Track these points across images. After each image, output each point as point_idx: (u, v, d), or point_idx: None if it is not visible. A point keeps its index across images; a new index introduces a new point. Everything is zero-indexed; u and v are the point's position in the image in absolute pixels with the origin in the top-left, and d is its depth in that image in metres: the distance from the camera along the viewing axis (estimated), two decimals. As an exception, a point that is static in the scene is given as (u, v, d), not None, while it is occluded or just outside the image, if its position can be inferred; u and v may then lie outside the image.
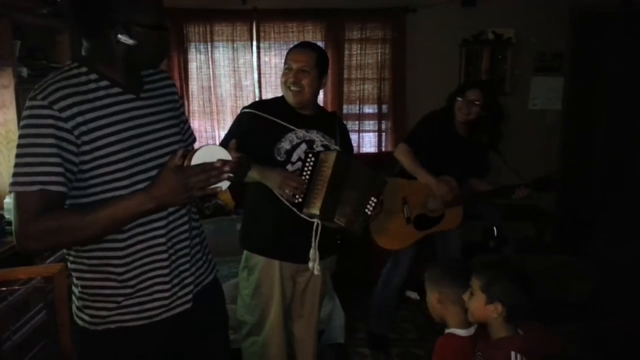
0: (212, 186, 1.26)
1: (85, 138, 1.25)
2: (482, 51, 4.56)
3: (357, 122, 4.56)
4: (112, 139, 1.29)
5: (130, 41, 1.28)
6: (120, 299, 1.38)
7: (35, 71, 3.03)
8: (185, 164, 1.26)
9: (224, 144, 2.08)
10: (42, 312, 2.46)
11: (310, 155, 2.04)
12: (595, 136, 4.78)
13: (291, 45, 4.20)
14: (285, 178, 1.98)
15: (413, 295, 3.60)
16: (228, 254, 3.13)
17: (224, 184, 1.31)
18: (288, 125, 2.09)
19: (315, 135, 2.13)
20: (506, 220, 4.27)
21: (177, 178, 1.22)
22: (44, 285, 2.38)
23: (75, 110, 1.24)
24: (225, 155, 1.31)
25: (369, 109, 4.61)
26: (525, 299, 1.62)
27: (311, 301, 2.29)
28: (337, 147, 2.14)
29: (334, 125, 2.23)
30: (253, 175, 2.00)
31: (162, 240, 1.40)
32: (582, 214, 4.60)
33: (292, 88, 2.09)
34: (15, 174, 1.21)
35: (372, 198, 2.06)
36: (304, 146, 2.09)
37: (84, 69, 1.31)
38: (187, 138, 1.62)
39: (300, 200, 2.00)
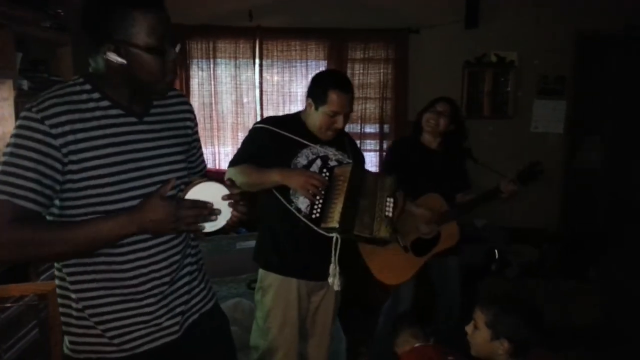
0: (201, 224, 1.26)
1: (74, 157, 1.20)
2: (485, 73, 4.58)
3: (358, 142, 4.53)
4: (102, 161, 1.23)
5: (118, 60, 1.22)
6: (101, 327, 1.32)
7: (35, 84, 3.01)
8: (181, 194, 1.27)
9: (238, 159, 2.10)
10: (35, 330, 2.39)
11: (324, 170, 2.03)
12: (596, 159, 4.78)
13: (294, 64, 4.33)
14: (308, 177, 1.95)
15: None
16: (227, 274, 3.08)
17: (221, 223, 1.31)
18: (304, 141, 2.08)
19: (329, 151, 2.11)
20: (510, 243, 4.24)
21: (167, 208, 1.19)
22: (37, 302, 2.32)
23: (67, 128, 1.19)
24: (223, 192, 1.31)
25: (370, 129, 4.60)
26: (534, 335, 1.58)
27: (323, 320, 2.25)
28: (350, 161, 2.12)
29: (343, 140, 2.21)
30: (274, 177, 1.98)
31: (155, 267, 1.35)
32: (585, 237, 4.57)
33: (332, 132, 2.09)
34: None
35: (388, 198, 2.00)
36: (319, 162, 2.08)
37: (87, 86, 1.27)
38: (197, 166, 1.57)
39: (317, 215, 1.96)
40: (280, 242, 2.12)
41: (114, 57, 1.21)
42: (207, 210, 1.26)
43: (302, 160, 2.06)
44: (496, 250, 4.12)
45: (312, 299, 2.19)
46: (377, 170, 4.55)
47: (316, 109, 2.07)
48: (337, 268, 2.04)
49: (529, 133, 4.68)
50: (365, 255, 2.53)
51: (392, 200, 2.00)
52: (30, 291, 2.21)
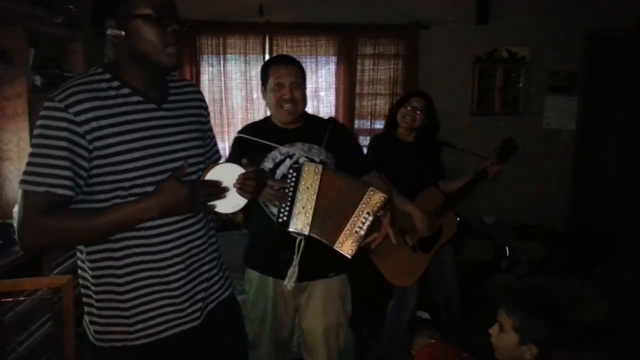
0: (213, 202, 1.35)
1: (98, 144, 1.24)
2: (496, 69, 4.55)
3: (368, 137, 4.52)
4: (126, 147, 1.27)
5: (117, 32, 1.26)
6: (126, 313, 1.35)
7: (48, 80, 3.03)
8: (201, 177, 1.36)
9: None
10: (48, 323, 2.43)
11: (291, 170, 1.89)
12: (608, 156, 4.74)
13: (304, 59, 4.33)
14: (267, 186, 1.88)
15: (424, 315, 3.53)
16: (236, 269, 3.07)
17: (242, 202, 1.40)
18: (271, 144, 2.02)
19: (297, 149, 2.01)
20: (519, 240, 4.22)
21: (182, 189, 1.25)
22: (51, 296, 2.35)
23: (90, 115, 1.23)
24: (240, 172, 1.38)
25: (380, 125, 4.57)
26: (559, 337, 1.56)
27: (312, 327, 2.12)
28: (316, 158, 2.00)
29: (324, 130, 2.07)
30: None
31: (177, 252, 1.38)
32: (592, 235, 4.55)
33: (285, 106, 1.99)
34: (25, 172, 1.22)
35: (366, 215, 1.80)
36: (288, 162, 2.00)
37: (107, 76, 1.31)
38: (212, 155, 1.62)
39: (284, 219, 1.87)
40: (257, 242, 2.13)
41: (114, 32, 1.26)
42: (219, 190, 1.35)
43: (267, 164, 2.00)
44: (507, 248, 4.10)
45: (299, 302, 2.11)
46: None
47: (266, 90, 2.05)
48: (296, 270, 1.96)
49: (540, 129, 4.65)
50: (377, 263, 2.53)
51: (370, 218, 1.81)
52: (44, 285, 2.23)
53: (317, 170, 1.83)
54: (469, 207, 4.32)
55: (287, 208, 1.86)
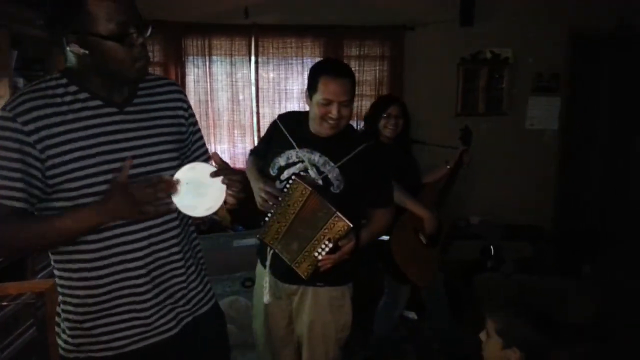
0: (166, 201, 1.21)
1: (51, 152, 1.20)
2: (480, 70, 4.58)
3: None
4: (82, 153, 1.23)
5: (80, 50, 1.20)
6: (87, 324, 1.32)
7: (31, 82, 2.99)
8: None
9: (252, 149, 2.17)
10: (32, 328, 2.40)
11: (290, 180, 1.81)
12: (592, 156, 4.80)
13: (290, 61, 4.33)
14: (260, 189, 1.85)
15: (411, 315, 3.56)
16: (223, 271, 3.07)
17: (216, 205, 1.27)
18: (292, 141, 1.94)
19: (315, 158, 1.92)
20: (505, 239, 4.25)
21: (124, 192, 1.17)
22: (35, 301, 2.32)
23: (40, 123, 1.19)
24: (210, 170, 1.27)
25: (366, 126, 4.59)
26: (546, 342, 1.53)
27: (300, 331, 2.04)
28: (329, 175, 1.89)
29: (350, 150, 1.91)
30: (250, 177, 1.99)
31: (140, 263, 1.32)
32: (579, 234, 4.60)
33: (329, 122, 1.86)
34: None
35: (326, 241, 1.74)
36: (299, 166, 1.93)
37: (63, 81, 1.26)
38: (199, 155, 1.52)
39: (262, 223, 1.87)
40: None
41: (76, 49, 1.20)
42: (164, 184, 1.20)
43: (281, 161, 1.95)
44: (492, 247, 4.14)
45: (292, 304, 2.04)
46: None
47: (311, 99, 1.90)
48: (267, 280, 1.96)
49: (524, 129, 4.70)
50: (405, 271, 2.60)
51: (330, 245, 1.75)
52: (28, 289, 2.20)
53: (304, 192, 1.74)
54: (455, 207, 4.35)
55: (268, 216, 1.83)
